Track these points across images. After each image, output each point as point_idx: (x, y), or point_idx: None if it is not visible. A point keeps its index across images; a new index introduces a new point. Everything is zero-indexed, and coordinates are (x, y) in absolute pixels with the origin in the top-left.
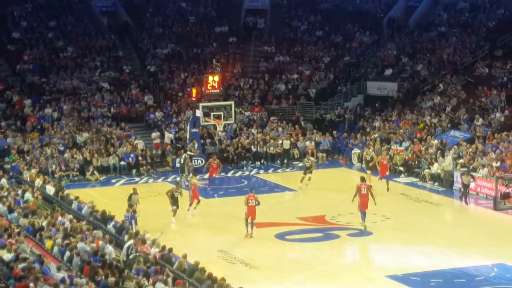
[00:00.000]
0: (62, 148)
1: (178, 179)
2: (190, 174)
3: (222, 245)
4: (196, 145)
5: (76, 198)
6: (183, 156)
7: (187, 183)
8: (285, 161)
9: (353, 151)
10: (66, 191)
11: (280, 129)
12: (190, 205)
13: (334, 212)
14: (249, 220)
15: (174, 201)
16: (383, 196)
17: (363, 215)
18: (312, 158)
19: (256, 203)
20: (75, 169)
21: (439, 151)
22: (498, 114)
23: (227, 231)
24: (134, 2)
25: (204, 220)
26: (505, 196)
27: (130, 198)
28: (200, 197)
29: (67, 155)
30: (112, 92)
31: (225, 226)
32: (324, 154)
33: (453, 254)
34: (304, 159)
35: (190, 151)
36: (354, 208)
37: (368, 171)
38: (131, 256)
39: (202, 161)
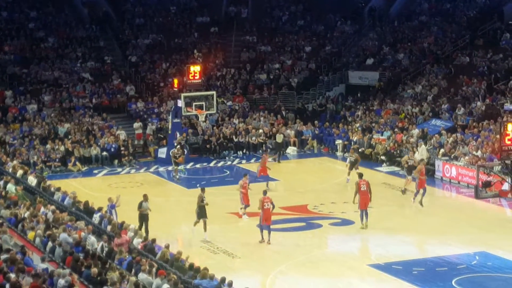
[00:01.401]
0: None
1: (173, 173)
2: (181, 166)
3: (203, 235)
4: (184, 139)
5: (58, 189)
6: (175, 150)
7: (177, 176)
8: (280, 153)
9: (336, 141)
10: (48, 182)
11: (262, 118)
12: (245, 207)
13: (317, 202)
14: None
15: (202, 212)
16: None
17: (363, 214)
18: (356, 154)
19: (271, 206)
20: (57, 160)
21: (420, 140)
22: (479, 103)
23: (210, 221)
24: None
25: (186, 211)
26: (486, 184)
27: (140, 205)
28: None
29: (48, 146)
30: (93, 83)
31: (208, 216)
32: (315, 141)
33: (435, 242)
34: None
35: (180, 144)
36: (336, 197)
37: (409, 177)
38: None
39: (184, 152)
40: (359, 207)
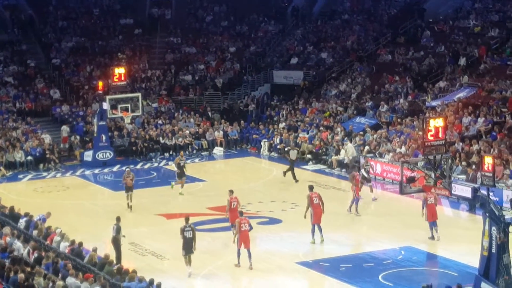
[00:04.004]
0: None
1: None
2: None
3: (133, 238)
4: (183, 159)
5: None
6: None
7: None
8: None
9: (262, 141)
10: None
11: (191, 120)
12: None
13: (244, 201)
14: (243, 248)
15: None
16: (292, 185)
17: (317, 228)
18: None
19: (249, 227)
20: None
21: (345, 138)
22: (401, 100)
23: (138, 223)
24: None
25: (114, 213)
26: (410, 180)
27: (119, 230)
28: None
29: None
30: (17, 87)
31: (136, 219)
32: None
33: (361, 239)
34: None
35: (179, 163)
36: (263, 196)
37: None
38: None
39: (110, 154)
40: (312, 222)
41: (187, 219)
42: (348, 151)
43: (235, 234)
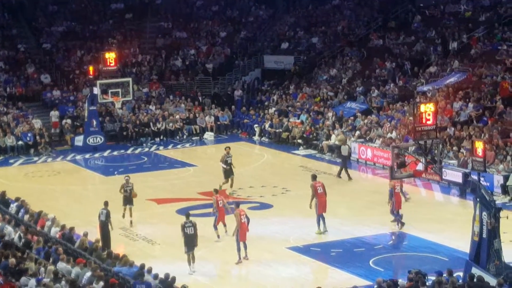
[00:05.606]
0: None
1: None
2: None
3: (124, 223)
4: (230, 154)
5: None
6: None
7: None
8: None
9: (255, 126)
10: None
11: (182, 105)
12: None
13: (235, 186)
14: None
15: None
16: (283, 169)
17: (321, 219)
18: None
19: (246, 220)
20: None
21: (336, 123)
22: (392, 85)
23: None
24: None
25: (104, 198)
26: (401, 165)
27: (109, 215)
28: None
29: None
30: (7, 71)
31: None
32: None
33: (352, 224)
34: None
35: (227, 162)
36: (254, 181)
37: None
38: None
39: (101, 139)
40: (318, 212)
41: (187, 215)
42: (350, 145)
43: (236, 227)
